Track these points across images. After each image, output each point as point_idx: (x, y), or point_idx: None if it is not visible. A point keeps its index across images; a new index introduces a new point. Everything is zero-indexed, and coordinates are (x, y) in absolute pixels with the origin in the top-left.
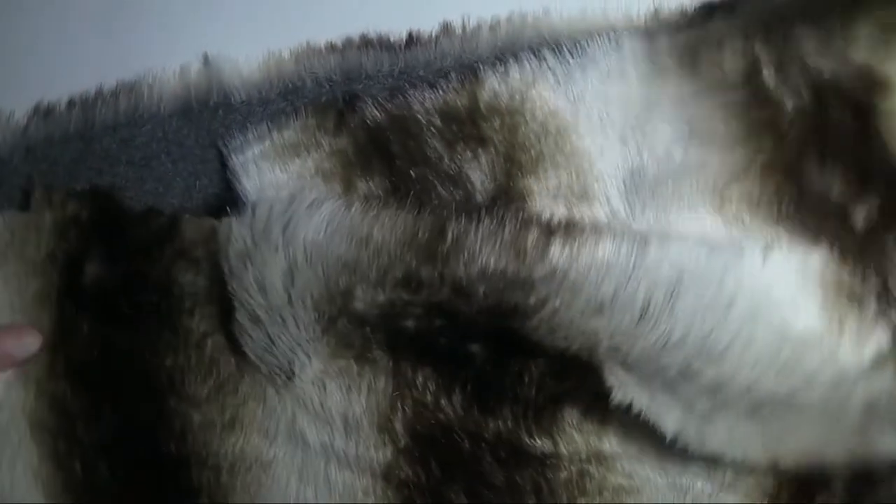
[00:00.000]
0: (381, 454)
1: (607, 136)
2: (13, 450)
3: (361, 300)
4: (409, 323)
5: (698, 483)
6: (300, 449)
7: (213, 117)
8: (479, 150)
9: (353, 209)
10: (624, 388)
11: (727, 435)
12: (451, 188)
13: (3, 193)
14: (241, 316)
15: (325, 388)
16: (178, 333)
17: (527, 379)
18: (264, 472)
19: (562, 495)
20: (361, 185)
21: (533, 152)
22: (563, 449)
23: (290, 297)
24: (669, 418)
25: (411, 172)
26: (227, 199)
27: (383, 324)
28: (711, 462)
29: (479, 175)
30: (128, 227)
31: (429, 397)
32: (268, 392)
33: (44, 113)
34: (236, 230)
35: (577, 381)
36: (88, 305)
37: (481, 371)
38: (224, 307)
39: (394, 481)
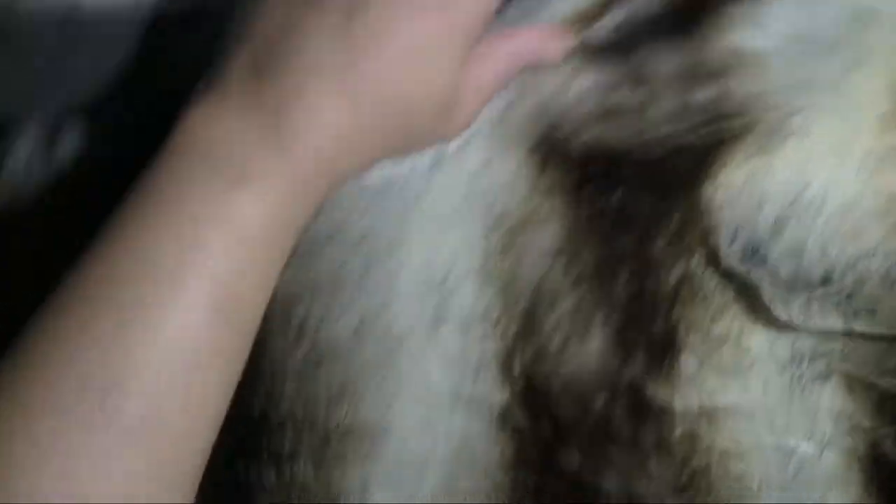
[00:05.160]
0: (499, 396)
1: None
2: None
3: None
4: None
5: (803, 445)
6: (425, 404)
7: None
8: None
9: None
10: None
11: None
12: None
13: None
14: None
15: (466, 337)
16: None
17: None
18: (378, 435)
19: (677, 454)
20: None
21: None
22: (676, 402)
23: None
24: None
25: None
26: None
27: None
28: (813, 415)
29: None
30: None
31: (557, 340)
32: (404, 351)
33: None
34: None
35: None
36: None
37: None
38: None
39: (508, 427)
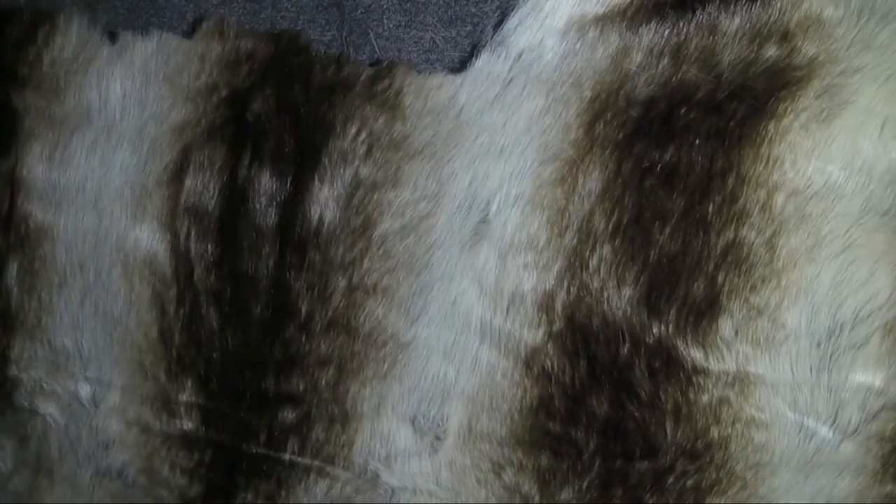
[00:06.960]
0: (531, 335)
1: None
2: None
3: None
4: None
5: (823, 430)
6: (454, 329)
7: None
8: None
9: None
10: None
11: None
12: None
13: None
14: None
15: (504, 265)
16: (333, 186)
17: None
18: (400, 351)
19: (697, 421)
20: None
21: None
22: (712, 364)
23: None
24: None
25: None
26: None
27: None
28: (838, 403)
29: None
30: (310, 73)
31: (597, 283)
32: (433, 262)
33: None
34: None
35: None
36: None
37: (664, 259)
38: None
39: (535, 370)
